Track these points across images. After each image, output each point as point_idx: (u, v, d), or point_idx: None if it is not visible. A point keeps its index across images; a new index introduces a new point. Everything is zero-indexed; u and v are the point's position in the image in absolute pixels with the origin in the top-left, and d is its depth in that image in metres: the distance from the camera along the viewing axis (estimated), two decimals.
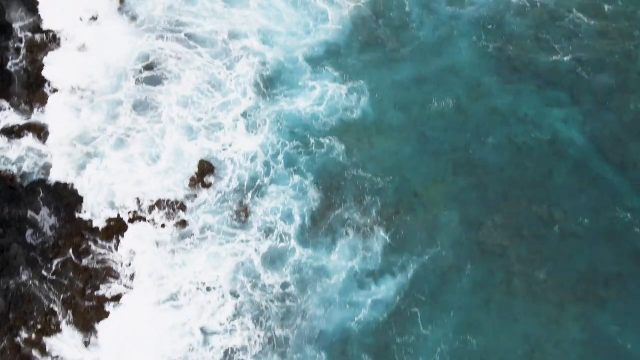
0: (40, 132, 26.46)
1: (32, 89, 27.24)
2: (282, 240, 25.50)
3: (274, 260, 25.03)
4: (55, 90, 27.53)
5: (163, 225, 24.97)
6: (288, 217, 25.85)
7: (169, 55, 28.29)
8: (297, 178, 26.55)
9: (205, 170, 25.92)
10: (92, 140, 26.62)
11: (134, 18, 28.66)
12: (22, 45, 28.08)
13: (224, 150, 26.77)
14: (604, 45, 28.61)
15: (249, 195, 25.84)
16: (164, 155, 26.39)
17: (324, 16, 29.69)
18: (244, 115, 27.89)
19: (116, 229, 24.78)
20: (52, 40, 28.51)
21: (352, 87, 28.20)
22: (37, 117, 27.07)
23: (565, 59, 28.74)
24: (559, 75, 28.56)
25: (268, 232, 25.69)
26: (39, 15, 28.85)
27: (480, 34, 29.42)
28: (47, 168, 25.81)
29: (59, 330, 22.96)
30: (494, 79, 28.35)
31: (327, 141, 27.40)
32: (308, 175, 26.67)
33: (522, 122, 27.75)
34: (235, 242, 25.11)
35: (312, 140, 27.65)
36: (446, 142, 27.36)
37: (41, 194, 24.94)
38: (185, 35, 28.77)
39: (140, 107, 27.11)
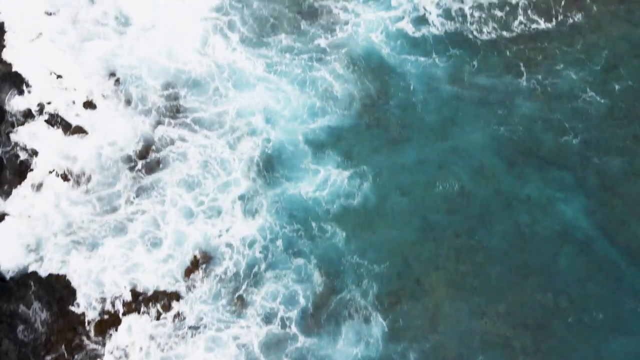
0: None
1: (23, 176, 28.46)
2: (283, 326, 26.35)
3: (274, 346, 25.68)
4: (50, 174, 28.55)
5: (158, 317, 26.04)
6: (288, 302, 27.08)
7: (171, 136, 29.52)
8: (296, 262, 27.58)
9: (202, 258, 27.12)
10: (85, 229, 27.73)
11: (130, 101, 29.92)
12: (13, 130, 29.34)
13: (220, 236, 27.90)
14: (611, 127, 30.18)
15: (247, 282, 26.91)
16: (161, 241, 27.54)
17: (329, 98, 31.20)
18: (243, 197, 29.43)
19: (109, 322, 25.94)
20: (46, 122, 29.64)
21: (355, 171, 29.83)
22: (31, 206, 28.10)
23: (571, 140, 30.24)
24: (564, 157, 30.02)
25: (268, 318, 26.79)
26: (30, 98, 29.99)
27: (484, 115, 30.87)
28: (38, 259, 26.87)
29: None
30: (498, 161, 29.81)
31: (328, 226, 28.75)
32: (307, 260, 27.71)
33: (526, 205, 29.01)
34: (233, 329, 26.10)
35: (312, 225, 29.00)
36: (449, 226, 28.55)
37: (32, 287, 26.15)
38: (186, 117, 30.27)
39: (141, 189, 28.36)
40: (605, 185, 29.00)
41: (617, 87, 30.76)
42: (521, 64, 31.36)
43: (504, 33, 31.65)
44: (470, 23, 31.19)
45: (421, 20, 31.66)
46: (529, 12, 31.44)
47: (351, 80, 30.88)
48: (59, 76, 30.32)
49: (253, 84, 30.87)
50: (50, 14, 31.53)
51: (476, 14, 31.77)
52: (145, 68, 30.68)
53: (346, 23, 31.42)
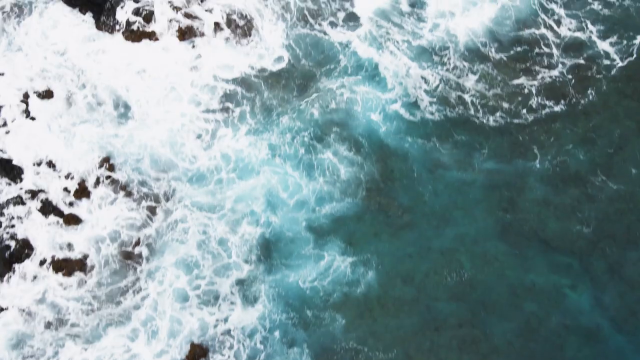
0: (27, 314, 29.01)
1: (13, 267, 29.85)
2: None
3: None
4: (42, 266, 29.91)
5: None
6: None
7: (169, 220, 31.26)
8: (292, 353, 28.64)
9: (197, 354, 28.30)
10: (79, 322, 29.08)
11: (126, 188, 31.41)
12: (5, 215, 30.81)
13: (217, 326, 29.13)
14: (617, 211, 31.46)
15: None
16: (158, 331, 28.77)
17: (331, 182, 32.51)
18: (242, 282, 30.87)
19: None
20: (39, 211, 31.07)
21: (357, 259, 31.20)
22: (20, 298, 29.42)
23: (579, 225, 31.52)
24: (570, 242, 31.24)
25: None
26: (23, 184, 31.49)
27: (490, 199, 32.16)
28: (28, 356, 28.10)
29: None
30: (502, 246, 31.03)
31: (328, 315, 30.10)
32: (307, 350, 28.83)
33: (531, 292, 30.22)
34: None
35: (312, 313, 30.32)
36: (451, 315, 29.69)
37: None
38: (186, 202, 31.74)
39: (138, 275, 30.01)
40: (613, 272, 30.19)
41: (625, 169, 32.16)
42: (531, 147, 32.81)
43: (513, 118, 33.20)
44: (475, 110, 32.94)
45: (415, 106, 33.22)
46: (539, 96, 33.28)
47: (354, 162, 32.49)
48: (52, 162, 31.52)
49: (256, 170, 32.59)
50: (44, 97, 32.60)
51: (480, 101, 33.44)
52: (143, 156, 32.13)
53: (345, 102, 32.80)
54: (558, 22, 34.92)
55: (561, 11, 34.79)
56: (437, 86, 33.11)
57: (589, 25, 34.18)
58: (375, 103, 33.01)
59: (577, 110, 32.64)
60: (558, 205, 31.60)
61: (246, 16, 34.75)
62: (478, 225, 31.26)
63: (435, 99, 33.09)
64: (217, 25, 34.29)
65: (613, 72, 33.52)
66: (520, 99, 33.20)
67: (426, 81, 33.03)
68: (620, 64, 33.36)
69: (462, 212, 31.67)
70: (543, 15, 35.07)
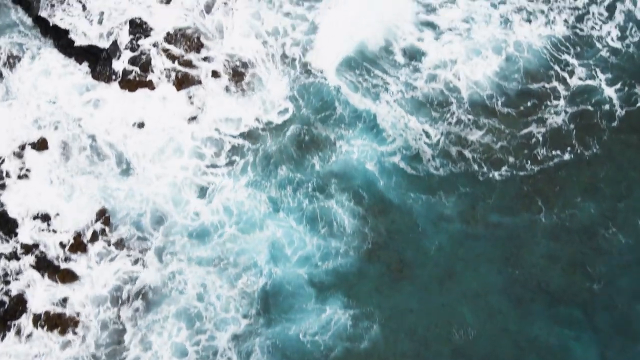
0: None
1: (7, 325, 30.49)
2: None
3: None
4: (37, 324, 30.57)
5: None
6: None
7: (168, 274, 32.42)
8: None
9: None
10: None
11: (123, 243, 32.10)
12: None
13: None
14: (623, 263, 32.51)
15: None
16: None
17: (333, 235, 33.33)
18: (239, 337, 31.65)
19: None
20: (34, 266, 31.75)
21: (358, 312, 31.91)
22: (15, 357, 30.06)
23: (583, 277, 32.38)
24: (573, 294, 32.00)
25: None
26: (17, 238, 32.19)
27: (493, 252, 32.99)
28: None
29: None
30: (505, 299, 31.85)
31: None
32: None
33: (534, 344, 31.11)
34: None
35: None
36: None
37: None
38: (186, 255, 32.37)
39: (137, 333, 31.04)
40: (619, 326, 30.86)
41: (631, 221, 33.12)
42: (537, 199, 33.56)
43: (519, 170, 33.97)
44: (480, 162, 33.86)
45: (416, 159, 34.01)
46: (545, 146, 34.18)
47: (356, 215, 33.39)
48: (47, 216, 32.21)
49: (260, 224, 33.42)
50: (39, 148, 33.34)
51: (485, 154, 34.26)
52: (141, 210, 32.96)
53: (344, 153, 33.59)
54: (565, 71, 36.02)
55: (568, 58, 35.96)
56: (439, 140, 33.93)
57: (596, 74, 35.07)
58: (374, 155, 33.80)
59: (583, 160, 33.56)
60: (563, 258, 32.42)
61: (245, 64, 35.36)
62: (481, 279, 32.06)
63: (437, 153, 33.95)
64: (215, 74, 34.84)
65: (617, 121, 34.55)
66: (525, 150, 34.17)
67: (427, 135, 33.80)
68: (625, 113, 34.05)
69: (465, 266, 32.49)
70: (550, 64, 36.12)
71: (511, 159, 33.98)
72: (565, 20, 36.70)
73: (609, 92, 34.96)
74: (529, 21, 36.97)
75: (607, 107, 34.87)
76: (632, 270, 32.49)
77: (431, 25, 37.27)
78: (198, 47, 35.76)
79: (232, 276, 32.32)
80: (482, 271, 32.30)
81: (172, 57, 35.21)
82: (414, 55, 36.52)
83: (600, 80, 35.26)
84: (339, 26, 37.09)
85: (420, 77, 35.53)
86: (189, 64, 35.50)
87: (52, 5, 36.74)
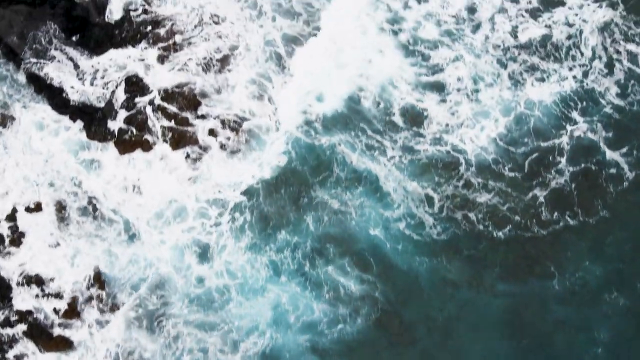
0: None
1: None
2: None
3: None
4: None
5: None
6: None
7: (167, 338, 33.22)
8: None
9: None
10: None
11: (118, 307, 32.63)
12: None
13: None
14: (628, 328, 33.47)
15: None
16: None
17: (339, 302, 34.10)
18: None
19: None
20: (27, 333, 32.22)
21: None
22: None
23: (588, 342, 33.24)
24: (576, 357, 32.29)
25: None
26: (11, 304, 32.68)
27: (496, 317, 33.64)
28: None
29: None
30: None
31: None
32: None
33: None
34: None
35: None
36: None
37: None
38: (186, 321, 33.00)
39: None
40: None
41: (637, 284, 33.65)
42: (542, 263, 34.26)
43: (524, 232, 34.58)
44: (485, 227, 34.39)
45: (420, 224, 34.54)
46: (550, 208, 34.99)
47: (358, 280, 34.04)
48: (42, 280, 32.72)
49: (261, 290, 34.10)
50: (32, 210, 33.91)
51: (490, 218, 34.83)
52: (137, 274, 33.62)
53: (343, 215, 34.14)
54: (572, 130, 36.69)
55: (576, 116, 36.55)
56: (442, 205, 34.55)
57: (601, 133, 35.63)
58: (376, 219, 34.34)
59: (588, 222, 34.35)
60: (567, 323, 32.89)
61: (241, 122, 36.07)
62: (485, 344, 32.46)
63: (440, 218, 34.56)
64: (212, 132, 35.53)
65: (622, 182, 35.20)
66: (531, 212, 34.81)
67: (430, 200, 34.38)
68: (629, 174, 34.61)
69: (468, 331, 33.25)
70: (558, 123, 36.81)
71: (516, 222, 34.69)
72: (575, 77, 37.19)
73: (614, 154, 35.67)
74: (542, 80, 37.81)
75: (612, 167, 35.62)
76: (635, 335, 32.78)
77: (434, 85, 37.91)
78: (195, 104, 36.37)
79: (233, 342, 32.59)
80: (486, 337, 32.66)
81: (168, 116, 35.81)
82: (415, 117, 37.07)
83: (603, 140, 35.89)
84: (331, 83, 37.86)
85: (423, 140, 36.06)
86: (185, 122, 36.12)
87: (46, 63, 36.86)
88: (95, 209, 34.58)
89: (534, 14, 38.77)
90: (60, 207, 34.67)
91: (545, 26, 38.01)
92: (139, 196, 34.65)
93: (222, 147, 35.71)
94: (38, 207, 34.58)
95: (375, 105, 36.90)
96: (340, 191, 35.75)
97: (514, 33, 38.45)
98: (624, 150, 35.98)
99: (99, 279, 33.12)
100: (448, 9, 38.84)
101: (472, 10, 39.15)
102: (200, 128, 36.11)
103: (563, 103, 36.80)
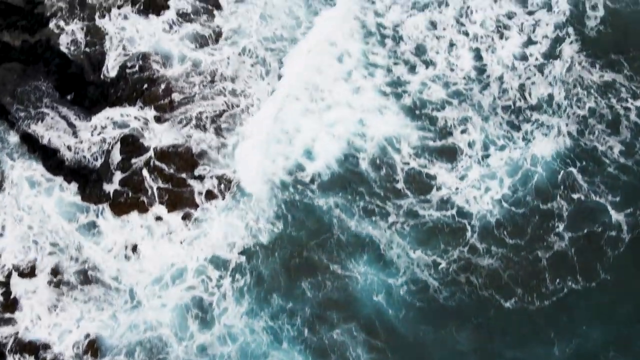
0: None
1: None
2: None
3: None
4: None
5: None
6: None
7: None
8: None
9: None
10: None
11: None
12: None
13: None
14: None
15: None
16: None
17: None
18: None
19: None
20: None
21: None
22: None
23: None
24: None
25: None
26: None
27: None
28: None
29: None
30: None
31: None
32: None
33: None
34: None
35: None
36: None
37: None
38: None
39: None
40: None
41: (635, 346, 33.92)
42: (545, 328, 34.61)
43: (528, 298, 35.18)
44: (489, 293, 34.79)
45: (424, 291, 34.79)
46: (553, 272, 35.59)
47: (362, 345, 34.08)
48: (35, 346, 33.00)
49: (263, 356, 34.04)
50: (26, 275, 34.24)
51: (494, 284, 35.24)
52: (133, 341, 33.66)
53: (344, 281, 34.56)
54: (575, 190, 37.15)
55: (579, 177, 37.02)
56: (447, 270, 34.92)
57: (604, 193, 36.23)
58: (378, 285, 34.66)
59: (590, 285, 34.83)
60: None
61: (237, 183, 36.53)
62: None
63: (445, 284, 34.95)
64: (209, 194, 35.99)
65: (624, 244, 35.52)
66: (534, 278, 35.32)
67: (434, 265, 34.78)
68: (632, 236, 35.19)
69: None
70: (561, 183, 37.19)
71: (521, 289, 35.13)
72: (579, 134, 37.84)
73: (617, 215, 36.18)
74: (546, 138, 38.13)
75: (614, 230, 36.17)
76: None
77: (442, 150, 38.43)
78: (192, 165, 36.86)
79: None
80: None
81: (164, 177, 36.30)
82: (420, 183, 37.50)
83: (607, 201, 36.51)
84: (322, 141, 38.41)
85: (427, 206, 36.36)
86: (182, 183, 36.60)
87: (40, 122, 37.39)
88: (91, 274, 34.69)
89: (542, 70, 39.12)
90: (56, 272, 34.68)
91: (549, 84, 37.95)
92: (138, 261, 34.83)
93: (219, 208, 35.89)
94: (32, 272, 34.52)
95: (375, 168, 37.09)
96: (341, 256, 35.98)
97: (521, 92, 38.42)
98: (628, 211, 35.91)
99: (92, 347, 33.21)
100: (456, 70, 38.91)
101: (480, 70, 39.53)
102: (197, 189, 36.29)
103: (566, 162, 37.25)
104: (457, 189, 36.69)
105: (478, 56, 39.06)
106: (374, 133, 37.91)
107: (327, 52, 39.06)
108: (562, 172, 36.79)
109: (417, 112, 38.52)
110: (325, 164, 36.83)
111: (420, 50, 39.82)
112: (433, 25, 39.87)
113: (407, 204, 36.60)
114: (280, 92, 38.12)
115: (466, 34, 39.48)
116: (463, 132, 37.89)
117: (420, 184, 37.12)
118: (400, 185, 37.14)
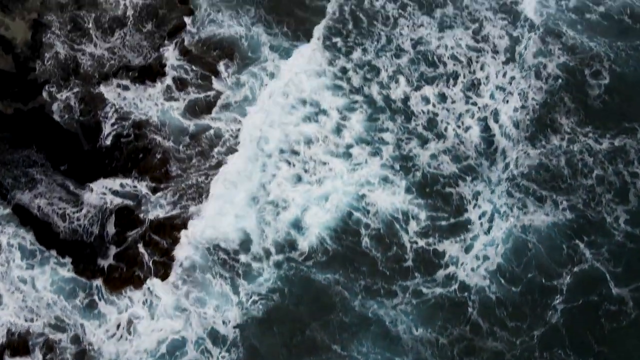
0: None
1: None
2: None
3: None
4: None
5: None
6: None
7: None
8: None
9: None
10: None
11: None
12: None
13: None
14: None
15: None
16: None
17: None
18: None
19: None
20: None
21: None
22: None
23: None
24: None
25: None
26: None
27: None
28: None
29: None
30: None
31: None
32: None
33: None
34: None
35: None
36: None
37: None
38: None
39: None
40: None
41: None
42: None
43: None
44: None
45: None
46: (554, 352, 35.24)
47: None
48: None
49: None
50: (17, 354, 34.35)
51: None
52: None
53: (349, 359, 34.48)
54: (578, 260, 37.41)
55: (584, 248, 37.20)
56: (453, 350, 35.04)
57: (608, 266, 36.72)
58: None
59: None
60: None
61: (233, 253, 36.83)
62: None
63: None
64: (203, 267, 36.27)
65: (628, 318, 35.72)
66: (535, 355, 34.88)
67: (438, 344, 34.97)
68: (636, 312, 35.50)
69: None
70: (563, 254, 37.39)
71: None
72: (583, 204, 38.29)
73: (621, 291, 36.33)
74: (549, 207, 38.55)
75: (616, 304, 36.40)
76: None
77: (451, 227, 38.53)
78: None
79: None
80: None
81: (160, 250, 36.69)
82: (426, 261, 37.60)
83: (610, 273, 36.73)
84: (317, 215, 38.59)
85: (432, 285, 36.66)
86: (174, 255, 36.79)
87: (32, 193, 37.74)
88: (88, 355, 34.71)
89: (548, 141, 39.59)
90: (48, 351, 34.77)
91: (555, 155, 38.51)
92: (134, 339, 34.90)
93: (211, 280, 36.19)
94: (25, 351, 34.61)
95: (379, 245, 37.24)
96: (343, 336, 35.97)
97: (528, 163, 38.91)
98: (633, 286, 35.86)
99: None
100: (466, 144, 39.50)
101: (489, 143, 40.19)
102: (190, 256, 36.50)
103: (570, 232, 37.47)
104: (462, 263, 36.57)
105: (485, 127, 38.94)
106: (378, 208, 37.59)
107: (325, 122, 38.77)
108: (565, 243, 36.61)
109: (427, 188, 38.37)
110: (319, 239, 36.29)
111: (430, 124, 40.00)
112: (442, 97, 39.68)
113: (414, 284, 36.35)
114: (270, 161, 37.86)
115: (473, 103, 39.46)
116: (474, 206, 37.78)
117: (429, 262, 37.06)
118: (408, 264, 37.06)
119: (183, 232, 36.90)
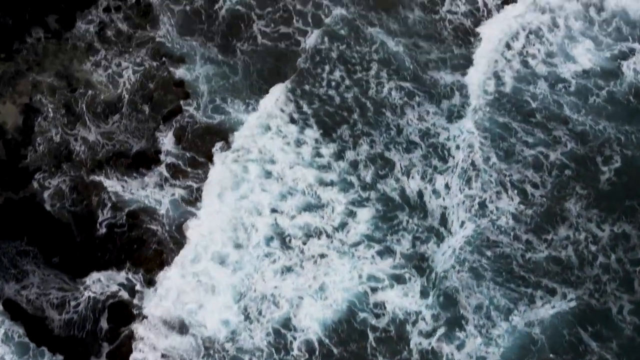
0: None
1: None
2: None
3: None
4: None
5: None
6: None
7: None
8: None
9: None
10: None
11: None
12: None
13: None
14: None
15: None
16: None
17: None
18: None
19: None
20: None
21: None
22: None
23: None
24: None
25: None
26: None
27: None
28: None
29: None
30: None
31: None
32: None
33: None
34: None
35: None
36: None
37: None
38: None
39: None
40: None
41: None
42: None
43: None
44: None
45: None
46: None
47: None
48: None
49: None
50: None
51: None
52: None
53: None
54: (586, 355, 37.09)
55: (589, 341, 37.25)
56: None
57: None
58: None
59: None
60: None
61: (227, 343, 37.02)
62: None
63: None
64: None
65: None
66: None
67: None
68: None
69: None
70: (569, 348, 37.36)
71: None
72: (588, 294, 38.51)
73: None
74: (550, 301, 38.60)
75: None
76: None
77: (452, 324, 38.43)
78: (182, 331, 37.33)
79: None
80: None
81: (154, 350, 36.70)
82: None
83: None
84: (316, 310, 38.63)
85: None
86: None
87: (22, 288, 38.07)
88: None
89: (555, 234, 39.79)
90: None
91: (562, 246, 38.73)
92: None
93: None
94: None
95: (385, 346, 37.15)
96: None
97: (526, 255, 38.80)
98: None
99: None
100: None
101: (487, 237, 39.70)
102: None
103: (573, 325, 37.13)
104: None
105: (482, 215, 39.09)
106: (387, 307, 37.64)
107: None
108: (568, 337, 36.49)
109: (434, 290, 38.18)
110: (324, 340, 36.47)
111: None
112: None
113: None
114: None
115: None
116: (476, 307, 37.59)
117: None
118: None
119: None
